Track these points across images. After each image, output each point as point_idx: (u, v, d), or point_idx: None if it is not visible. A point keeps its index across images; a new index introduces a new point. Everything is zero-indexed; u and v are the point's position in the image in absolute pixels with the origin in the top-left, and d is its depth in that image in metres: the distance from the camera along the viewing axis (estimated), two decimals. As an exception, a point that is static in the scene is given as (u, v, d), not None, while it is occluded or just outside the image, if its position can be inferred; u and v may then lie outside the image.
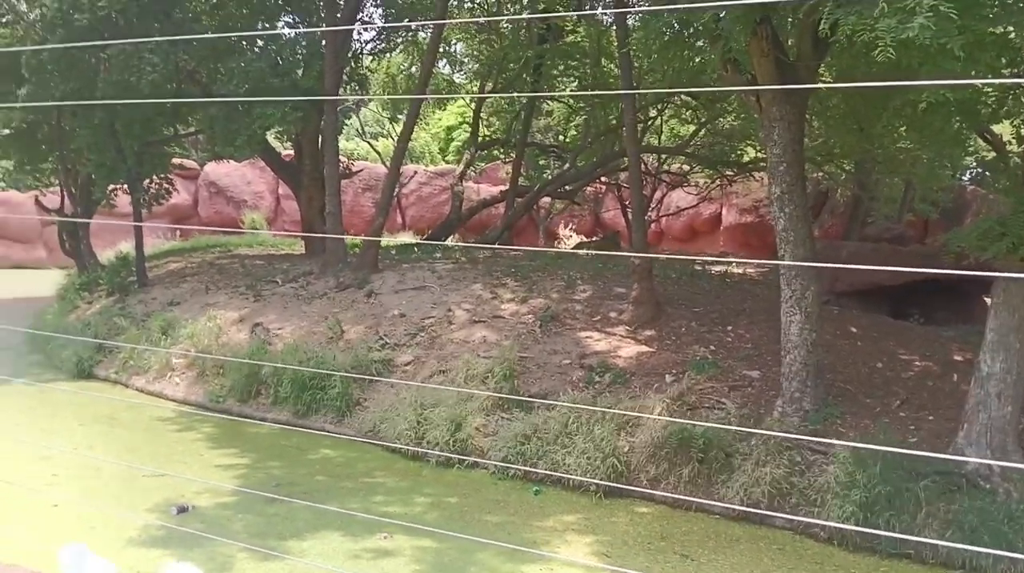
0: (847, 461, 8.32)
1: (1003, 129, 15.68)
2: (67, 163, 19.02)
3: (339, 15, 17.13)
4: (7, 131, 20.38)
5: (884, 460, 8.17)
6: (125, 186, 18.15)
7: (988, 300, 10.42)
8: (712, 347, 11.60)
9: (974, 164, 22.89)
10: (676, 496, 8.83)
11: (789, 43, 10.18)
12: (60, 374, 14.41)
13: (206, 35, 15.53)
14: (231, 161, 25.81)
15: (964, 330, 12.37)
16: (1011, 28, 7.01)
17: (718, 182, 23.04)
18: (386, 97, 27.00)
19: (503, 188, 25.16)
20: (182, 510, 8.10)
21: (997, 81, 8.60)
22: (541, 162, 28.25)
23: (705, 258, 18.11)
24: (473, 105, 25.62)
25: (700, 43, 10.55)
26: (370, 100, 32.07)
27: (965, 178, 24.92)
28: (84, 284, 18.76)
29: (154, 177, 18.83)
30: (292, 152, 21.23)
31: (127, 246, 21.08)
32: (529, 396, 10.74)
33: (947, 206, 20.17)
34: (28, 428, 10.94)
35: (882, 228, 19.09)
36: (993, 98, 11.76)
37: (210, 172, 33.12)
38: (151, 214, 22.67)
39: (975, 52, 6.22)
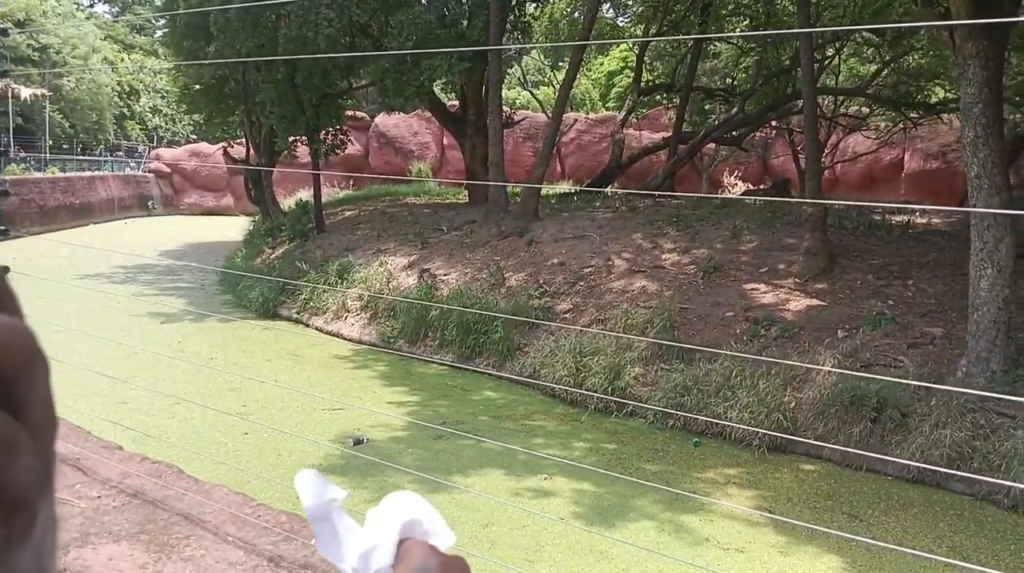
0: (1041, 427, 7.70)
1: None
2: (252, 116, 20.35)
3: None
4: (198, 86, 22.07)
5: (1085, 428, 7.51)
6: (304, 137, 19.21)
7: None
8: (890, 302, 10.96)
9: None
10: (848, 450, 8.51)
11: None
12: (248, 313, 15.65)
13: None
14: (399, 113, 26.69)
15: None
16: None
17: (901, 125, 21.43)
18: (548, 44, 26.86)
19: (665, 135, 24.57)
20: (358, 442, 8.67)
21: None
22: (707, 107, 27.31)
23: (885, 205, 16.99)
24: (636, 49, 25.02)
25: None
26: (532, 49, 32.07)
27: None
28: (268, 230, 20.18)
29: (330, 128, 19.81)
30: (457, 103, 21.67)
31: (306, 195, 22.43)
32: (690, 348, 10.60)
33: None
34: (222, 361, 12.00)
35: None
36: None
37: (380, 124, 34.46)
38: (327, 164, 23.95)
39: None
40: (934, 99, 20.04)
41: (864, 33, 19.19)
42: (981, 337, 8.94)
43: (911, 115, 20.35)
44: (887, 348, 9.80)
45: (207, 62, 17.16)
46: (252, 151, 21.62)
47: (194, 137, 39.35)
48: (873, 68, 20.66)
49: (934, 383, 8.67)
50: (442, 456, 8.37)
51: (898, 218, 15.90)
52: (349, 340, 13.74)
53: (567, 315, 12.32)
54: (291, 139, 19.87)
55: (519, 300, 12.59)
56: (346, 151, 22.07)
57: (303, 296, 15.17)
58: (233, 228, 25.00)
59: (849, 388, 8.78)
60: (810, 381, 9.35)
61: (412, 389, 11.00)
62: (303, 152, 21.15)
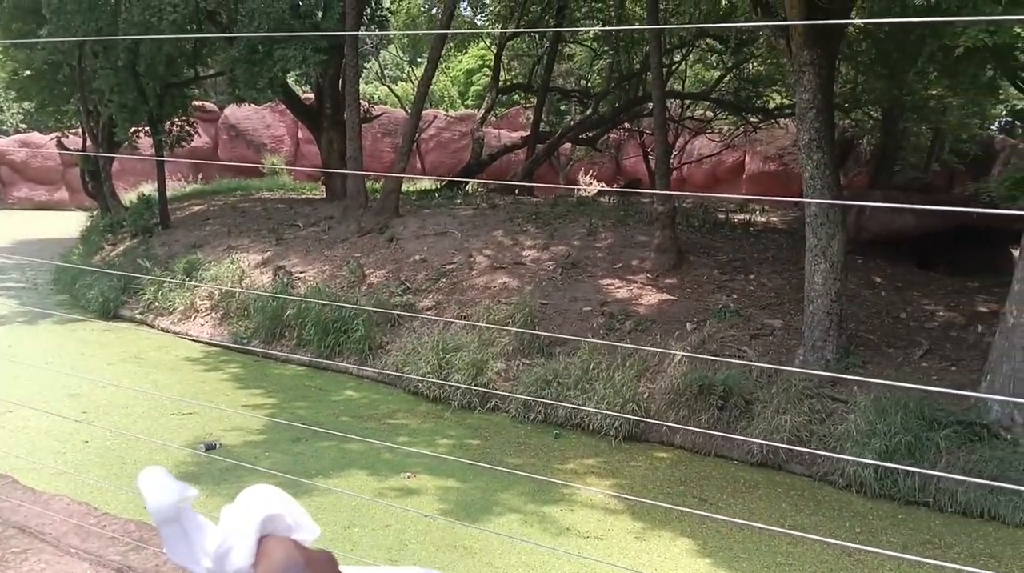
0: (868, 410, 8.35)
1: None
2: (88, 104, 19.01)
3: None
4: (28, 72, 20.37)
5: (904, 409, 8.20)
6: (147, 128, 18.14)
7: (1015, 251, 10.30)
8: (734, 295, 11.59)
9: (1004, 113, 22.43)
10: (700, 431, 8.92)
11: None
12: (86, 314, 14.63)
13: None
14: (251, 105, 25.69)
15: (990, 281, 12.25)
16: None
17: (742, 129, 22.73)
18: (405, 32, 26.66)
19: (524, 134, 24.95)
20: (210, 447, 8.27)
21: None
22: (562, 107, 27.93)
23: (732, 197, 17.97)
24: (494, 48, 25.26)
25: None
26: (390, 41, 31.73)
27: (994, 127, 24.45)
28: (108, 226, 18.93)
29: (175, 119, 18.80)
30: (312, 96, 21.10)
31: (149, 188, 21.19)
32: (549, 342, 10.81)
33: (975, 156, 19.85)
34: (58, 366, 11.15)
35: (909, 178, 18.83)
36: (1031, 44, 11.48)
37: (230, 115, 33.04)
38: (172, 156, 22.71)
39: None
40: (772, 104, 21.37)
41: (708, 40, 20.21)
42: (816, 327, 9.61)
43: (751, 119, 21.61)
44: (732, 339, 10.35)
45: (41, 40, 15.86)
46: (89, 142, 20.19)
47: (24, 126, 36.30)
48: (717, 74, 21.78)
49: (775, 372, 9.24)
50: (302, 458, 8.12)
51: (740, 217, 16.86)
52: (199, 341, 13.10)
53: (429, 312, 12.26)
54: (132, 130, 18.71)
55: (380, 297, 12.41)
56: (192, 143, 21.01)
57: (147, 296, 14.33)
58: (69, 224, 23.26)
59: (698, 377, 9.21)
60: (662, 372, 9.74)
61: (268, 391, 10.62)
62: (146, 144, 19.96)
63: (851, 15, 10.62)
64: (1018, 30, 10.80)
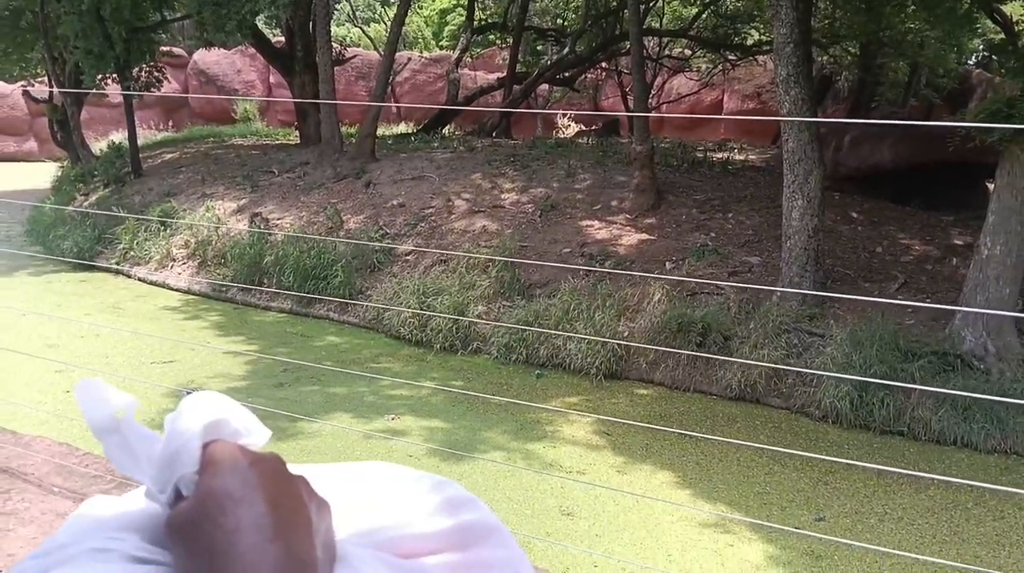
0: (844, 343, 8.50)
1: (1012, 9, 15.27)
2: (53, 52, 18.47)
3: None
4: (-11, 18, 19.73)
5: (880, 342, 8.35)
6: (114, 75, 17.69)
7: (990, 185, 10.39)
8: (713, 234, 11.64)
9: (981, 47, 22.37)
10: (684, 359, 9.05)
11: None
12: (61, 265, 14.46)
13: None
14: (221, 49, 25.09)
15: (965, 215, 12.38)
16: None
17: (721, 67, 22.54)
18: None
19: (500, 75, 24.60)
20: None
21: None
22: (539, 47, 27.51)
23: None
24: (468, -13, 24.71)
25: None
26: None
27: (971, 62, 24.40)
28: (79, 176, 18.57)
29: (143, 65, 18.33)
30: (283, 39, 20.61)
31: (119, 137, 20.77)
32: (530, 283, 10.85)
33: (952, 90, 19.86)
34: (35, 318, 11.07)
35: (886, 113, 18.79)
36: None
37: (199, 60, 32.25)
38: (141, 103, 22.25)
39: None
40: (750, 41, 21.15)
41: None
42: (794, 264, 9.70)
43: (730, 57, 21.42)
44: (710, 277, 10.43)
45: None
46: (56, 90, 19.66)
47: (-13, 75, 35.27)
48: (694, 11, 21.48)
49: (752, 307, 9.35)
50: (285, 404, 8.17)
51: (718, 155, 16.83)
52: (177, 290, 13.02)
53: (409, 257, 12.23)
54: (100, 77, 18.22)
55: (359, 242, 12.35)
56: (162, 90, 20.56)
57: (122, 245, 14.15)
58: (39, 175, 22.80)
59: (676, 316, 9.31)
60: (641, 311, 9.82)
61: (249, 338, 10.62)
62: (113, 91, 19.48)
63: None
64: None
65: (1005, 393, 7.63)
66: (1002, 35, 13.09)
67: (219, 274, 12.76)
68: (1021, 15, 13.92)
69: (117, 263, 14.17)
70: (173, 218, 14.23)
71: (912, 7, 13.78)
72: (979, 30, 16.45)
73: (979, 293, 8.50)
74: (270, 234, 13.01)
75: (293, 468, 0.56)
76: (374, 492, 0.64)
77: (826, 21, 17.28)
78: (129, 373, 9.02)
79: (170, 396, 8.18)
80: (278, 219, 13.80)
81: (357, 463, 0.68)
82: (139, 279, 13.60)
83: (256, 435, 0.55)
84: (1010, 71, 9.79)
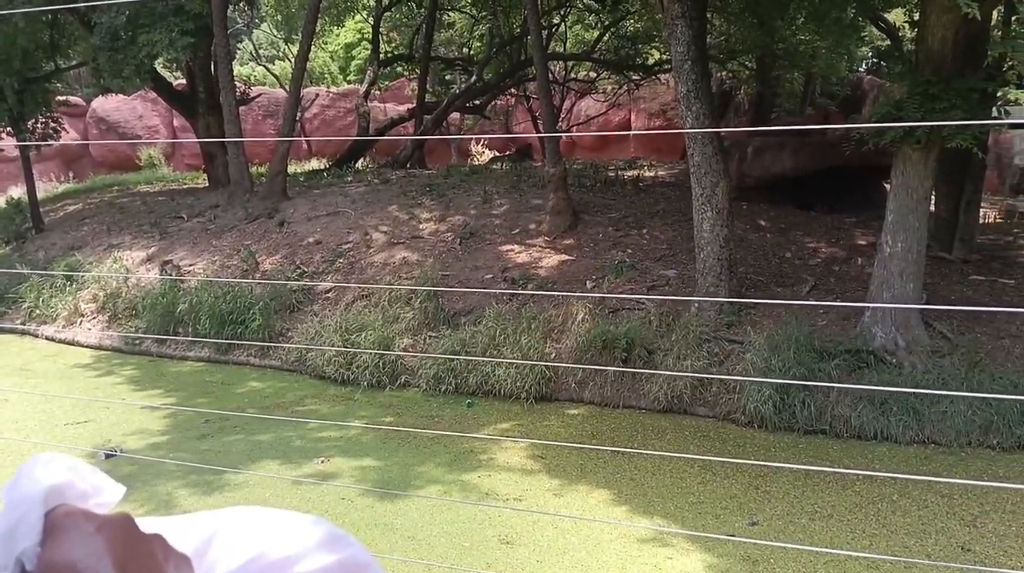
0: (762, 348, 8.73)
1: (896, 16, 16.14)
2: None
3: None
4: None
5: (796, 344, 8.61)
6: (8, 129, 16.99)
7: (888, 185, 10.88)
8: (629, 250, 11.84)
9: (869, 54, 23.53)
10: (619, 370, 9.12)
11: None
12: (-40, 330, 13.73)
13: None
14: (120, 95, 24.39)
15: (866, 215, 12.93)
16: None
17: (625, 87, 23.07)
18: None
19: (410, 106, 24.61)
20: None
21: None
22: (447, 77, 27.67)
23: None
24: (371, 20, 24.71)
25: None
26: (262, 19, 30.65)
27: (861, 69, 25.61)
28: (-26, 235, 17.71)
29: (39, 116, 17.67)
30: (185, 81, 20.18)
31: (18, 191, 19.91)
32: (454, 312, 10.81)
33: (846, 97, 20.79)
34: (-67, 388, 10.46)
35: (785, 122, 19.53)
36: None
37: (98, 108, 31.22)
38: (39, 156, 21.43)
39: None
40: (651, 61, 21.74)
41: (584, 0, 20.35)
42: (708, 274, 9.94)
43: (633, 77, 21.95)
44: (630, 293, 10.59)
45: None
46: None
47: None
48: (596, 33, 21.97)
49: (672, 319, 9.52)
50: (209, 455, 7.90)
51: (629, 173, 17.18)
52: (88, 347, 12.49)
53: (329, 294, 12.05)
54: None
55: (276, 284, 12.11)
56: (61, 140, 19.81)
57: (26, 304, 13.53)
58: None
59: (600, 333, 9.41)
60: (567, 331, 9.89)
61: (167, 390, 10.25)
62: (8, 144, 18.69)
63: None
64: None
65: (918, 384, 7.95)
66: (888, 41, 13.80)
67: (131, 327, 12.31)
68: (904, 21, 14.68)
69: (22, 323, 13.54)
70: (79, 272, 13.69)
71: (802, 20, 14.39)
72: (866, 38, 17.32)
73: (885, 290, 8.86)
74: (182, 281, 12.64)
75: (150, 524, 0.53)
76: (246, 537, 0.61)
77: (722, 38, 17.90)
78: (42, 438, 8.59)
79: (86, 457, 7.79)
80: (190, 265, 13.42)
81: (223, 510, 0.64)
82: (47, 338, 13.01)
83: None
84: (897, 75, 10.29)
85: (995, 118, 8.99)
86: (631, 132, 27.23)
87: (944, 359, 8.47)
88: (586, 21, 22.68)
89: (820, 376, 8.35)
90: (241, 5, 19.81)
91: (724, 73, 20.69)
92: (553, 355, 9.72)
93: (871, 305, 8.81)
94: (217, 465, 7.56)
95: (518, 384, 9.23)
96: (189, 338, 11.64)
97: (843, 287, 10.37)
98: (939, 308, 8.87)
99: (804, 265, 11.22)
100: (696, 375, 8.61)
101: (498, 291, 10.83)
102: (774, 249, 11.76)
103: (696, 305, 9.97)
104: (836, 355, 8.58)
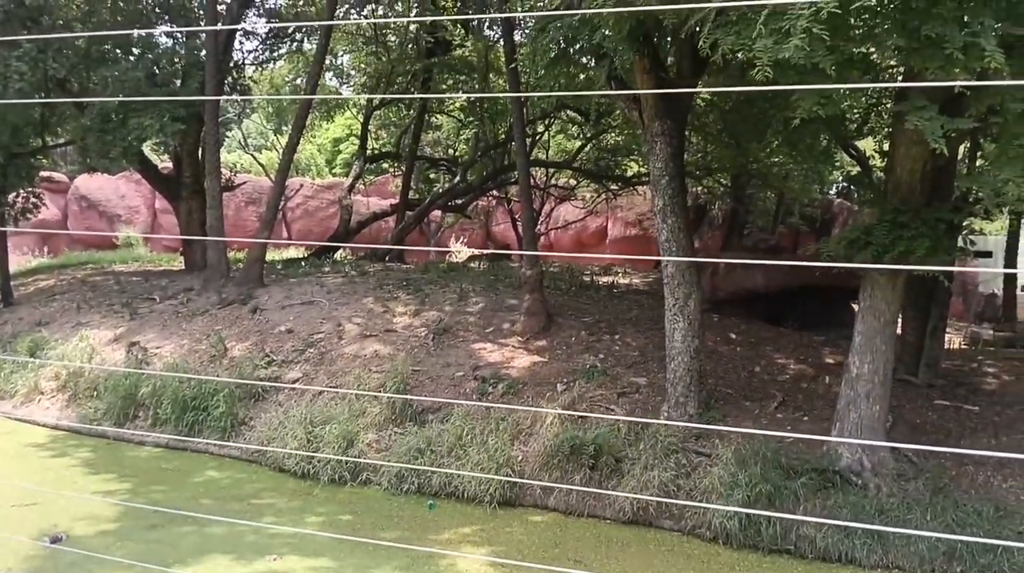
0: (730, 462, 8.68)
1: (866, 145, 16.84)
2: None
3: (220, 23, 16.65)
4: None
5: (763, 460, 8.57)
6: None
7: (855, 306, 11.11)
8: (601, 355, 11.88)
9: (840, 179, 24.38)
10: (576, 489, 8.97)
11: (670, 62, 10.61)
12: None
13: (78, 34, 14.79)
14: (104, 174, 24.61)
15: (835, 334, 13.13)
16: (873, 48, 7.54)
17: (604, 196, 23.64)
18: (270, 97, 26.39)
19: (393, 202, 25.01)
20: (56, 540, 7.64)
21: (867, 85, 9.23)
22: (431, 175, 28.24)
23: (599, 258, 18.52)
24: (361, 118, 25.36)
25: (586, 60, 10.83)
26: (253, 110, 31.33)
27: (832, 192, 26.48)
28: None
29: (20, 190, 17.71)
30: (170, 165, 20.41)
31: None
32: (423, 409, 10.69)
33: (817, 218, 21.40)
34: None
35: (757, 239, 20.06)
36: (858, 115, 12.61)
37: (80, 185, 31.39)
38: (18, 228, 21.32)
39: (844, 71, 6.62)
40: (630, 172, 22.38)
41: (569, 112, 21.06)
42: (678, 384, 9.96)
43: (611, 187, 22.55)
44: (600, 398, 10.58)
45: None
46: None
47: None
48: (578, 144, 22.67)
49: (641, 428, 9.48)
50: (159, 547, 7.61)
51: (604, 279, 17.42)
52: (44, 426, 12.15)
53: (297, 384, 11.90)
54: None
55: (243, 371, 11.96)
56: (40, 215, 19.80)
57: (-15, 379, 13.22)
58: None
59: (569, 438, 9.32)
60: (535, 434, 9.80)
61: (121, 476, 9.94)
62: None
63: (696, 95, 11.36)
64: (846, 103, 11.87)
65: (882, 508, 7.91)
66: (858, 168, 14.34)
67: (91, 407, 12.02)
68: (874, 150, 15.29)
69: (-23, 398, 13.18)
70: (43, 349, 13.45)
71: (776, 143, 14.94)
72: (838, 163, 17.99)
73: (851, 410, 8.91)
74: (147, 364, 12.46)
75: None
76: None
77: (699, 155, 18.51)
78: (-19, 520, 8.25)
79: (31, 541, 7.50)
80: (157, 348, 13.25)
81: None
82: (2, 414, 12.65)
83: None
84: (866, 201, 10.65)
85: (960, 247, 9.24)
86: (605, 256, 27.72)
87: (909, 483, 8.46)
88: (569, 131, 23.45)
89: (786, 493, 8.29)
90: (233, 94, 20.25)
91: (700, 188, 21.30)
92: (520, 458, 9.60)
93: (842, 439, 8.85)
94: (165, 558, 7.28)
95: (482, 487, 9.07)
96: (149, 422, 11.38)
97: (811, 405, 10.42)
98: (907, 446, 8.92)
99: (773, 380, 11.29)
100: (661, 500, 8.52)
101: (467, 403, 10.76)
102: (744, 362, 11.85)
103: (666, 413, 9.94)
104: (803, 473, 8.55)
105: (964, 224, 9.16)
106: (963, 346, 15.09)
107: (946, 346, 12.89)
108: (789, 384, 11.17)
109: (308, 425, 10.37)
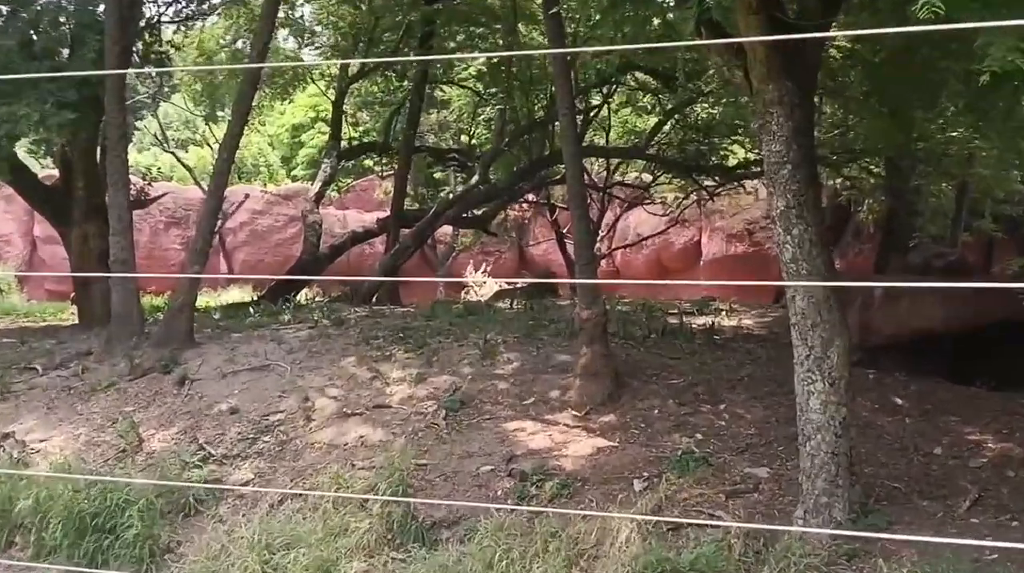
0: (903, 593, 8.51)
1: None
2: None
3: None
4: None
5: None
6: None
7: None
8: (699, 435, 11.78)
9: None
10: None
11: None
12: None
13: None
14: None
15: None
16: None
17: (695, 197, 23.60)
18: (202, 68, 26.82)
19: (382, 215, 25.19)
20: None
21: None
22: (436, 175, 28.45)
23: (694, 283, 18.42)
24: (332, 94, 25.65)
25: (663, -1, 10.88)
26: (174, 90, 31.88)
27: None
28: None
29: None
30: (56, 173, 20.82)
31: None
32: (432, 522, 10.67)
33: (1020, 221, 21.06)
34: None
35: (930, 254, 19.79)
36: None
37: (-72, 207, 32.21)
38: None
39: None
40: (733, 161, 22.30)
41: (639, 75, 21.11)
42: (818, 476, 9.81)
43: (705, 183, 22.48)
44: (700, 499, 10.46)
45: None
46: None
47: None
48: (653, 122, 22.61)
49: (764, 544, 9.35)
50: None
51: (700, 320, 17.35)
52: None
53: (246, 490, 11.96)
54: None
55: (167, 472, 12.05)
56: None
57: None
58: None
59: (657, 560, 9.21)
60: (603, 556, 9.70)
61: (-11, 631, 10.02)
62: None
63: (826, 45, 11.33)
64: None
65: None
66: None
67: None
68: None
69: None
70: None
71: (953, 110, 14.75)
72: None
73: (1085, 508, 8.72)
74: (26, 465, 12.62)
75: None
76: None
77: (836, 132, 18.43)
78: None
79: None
80: (41, 441, 13.42)
81: None
82: None
83: None
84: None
85: None
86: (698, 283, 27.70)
87: None
88: (639, 104, 23.42)
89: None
90: (147, 67, 20.65)
91: (839, 180, 21.20)
92: (581, 594, 9.51)
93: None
94: None
95: (525, 638, 8.99)
96: (30, 552, 11.49)
97: (1021, 502, 10.23)
98: None
99: (962, 466, 11.11)
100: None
101: (498, 509, 10.71)
102: (916, 441, 11.68)
103: (800, 520, 9.80)
104: (1016, 607, 8.36)
105: None
106: None
107: None
108: (988, 472, 10.98)
109: (263, 550, 10.36)
